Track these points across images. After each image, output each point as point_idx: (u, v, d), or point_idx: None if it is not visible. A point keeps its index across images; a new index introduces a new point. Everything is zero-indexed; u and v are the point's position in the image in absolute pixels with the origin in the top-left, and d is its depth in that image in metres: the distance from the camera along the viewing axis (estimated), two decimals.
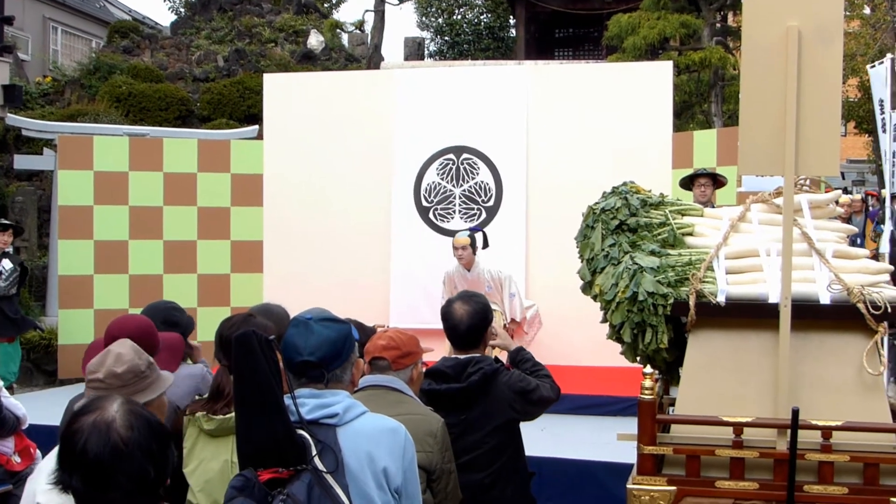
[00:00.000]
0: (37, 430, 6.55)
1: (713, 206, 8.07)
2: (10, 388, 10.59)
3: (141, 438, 2.40)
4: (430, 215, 11.58)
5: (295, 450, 2.80)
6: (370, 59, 23.14)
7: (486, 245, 10.24)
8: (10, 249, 11.05)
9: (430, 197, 11.59)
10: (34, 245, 16.44)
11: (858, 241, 13.93)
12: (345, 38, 25.77)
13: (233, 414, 3.83)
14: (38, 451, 6.12)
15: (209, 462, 3.98)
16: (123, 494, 2.38)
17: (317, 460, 2.84)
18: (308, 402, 3.00)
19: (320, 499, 2.77)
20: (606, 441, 7.70)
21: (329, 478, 2.83)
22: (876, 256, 13.50)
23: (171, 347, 4.81)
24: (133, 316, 4.97)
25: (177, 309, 5.41)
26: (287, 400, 2.86)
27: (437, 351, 5.16)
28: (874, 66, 12.39)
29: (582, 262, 4.95)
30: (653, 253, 4.63)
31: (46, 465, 3.46)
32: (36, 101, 20.58)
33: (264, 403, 2.75)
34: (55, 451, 3.57)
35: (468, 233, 10.07)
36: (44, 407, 7.95)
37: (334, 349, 3.10)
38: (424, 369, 4.42)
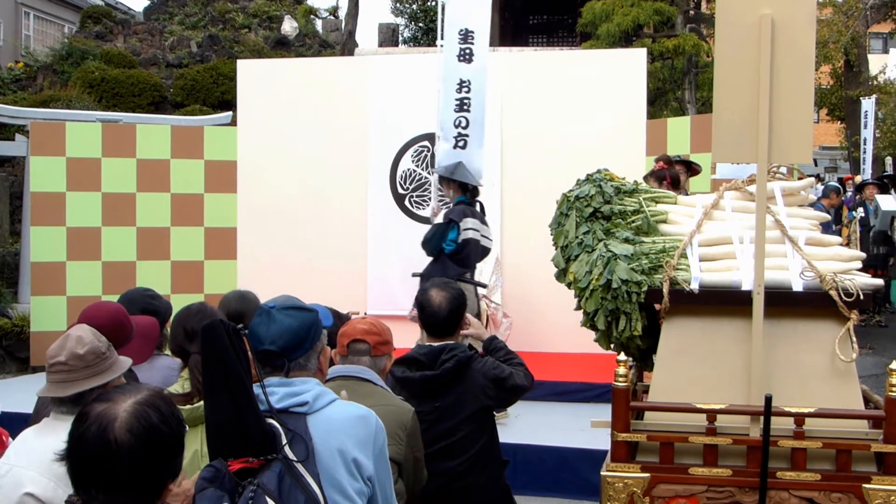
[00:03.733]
0: (9, 418, 6.49)
1: (687, 194, 8.11)
2: None
3: (136, 446, 2.35)
4: (406, 202, 11.57)
5: (265, 439, 2.79)
6: (344, 45, 23.03)
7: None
8: None
9: (405, 184, 11.57)
10: (6, 231, 16.29)
11: (833, 227, 14.03)
12: (319, 24, 25.62)
13: (200, 403, 3.80)
14: (10, 439, 6.07)
15: None
16: (106, 494, 2.36)
17: (287, 449, 2.83)
18: (278, 391, 2.99)
19: (291, 488, 2.76)
20: (580, 428, 7.75)
21: (300, 467, 2.82)
22: (849, 243, 13.64)
23: (145, 335, 4.76)
24: (106, 303, 4.92)
25: (153, 296, 5.34)
26: (257, 389, 2.85)
27: (410, 339, 5.15)
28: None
29: (556, 249, 4.95)
30: (627, 240, 4.64)
31: (17, 456, 3.42)
32: (8, 87, 20.39)
33: (233, 392, 2.74)
34: (20, 438, 3.54)
35: None
36: (16, 394, 7.91)
37: (296, 338, 3.09)
38: (395, 357, 4.42)
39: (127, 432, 2.35)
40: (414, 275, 8.66)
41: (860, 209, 14.83)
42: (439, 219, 8.62)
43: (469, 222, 8.38)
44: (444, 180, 8.91)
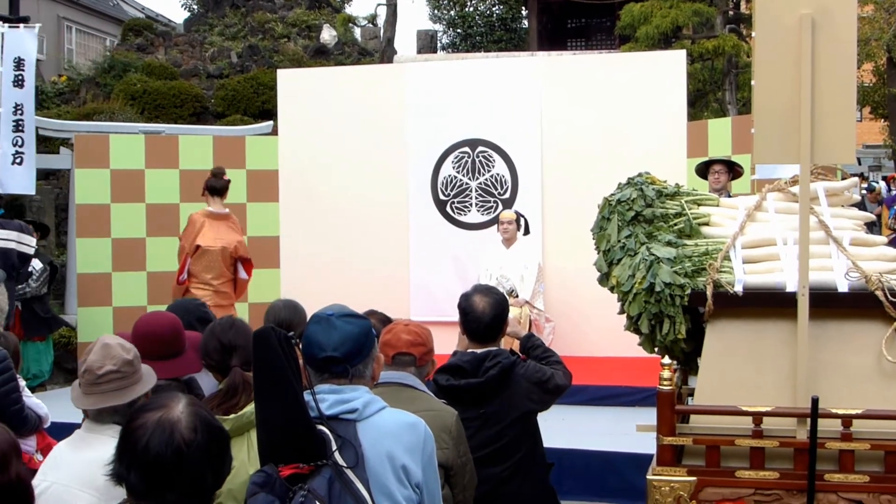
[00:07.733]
0: (58, 428, 6.56)
1: (729, 195, 8.07)
2: (42, 386, 10.71)
3: (203, 442, 2.43)
4: (448, 208, 11.58)
5: (315, 445, 2.81)
6: (383, 52, 23.10)
7: (527, 231, 10.49)
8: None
9: (446, 190, 11.59)
10: (52, 244, 16.47)
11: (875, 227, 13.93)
12: (357, 32, 25.71)
13: (243, 412, 3.83)
14: None
15: None
16: (179, 496, 2.41)
17: (337, 455, 2.85)
18: (328, 398, 3.01)
19: (341, 494, 2.79)
20: (626, 432, 7.71)
21: (349, 473, 2.84)
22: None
23: (195, 346, 4.77)
24: (161, 313, 4.91)
25: (204, 306, 5.41)
26: (307, 396, 2.88)
27: (452, 345, 5.15)
28: None
29: (598, 253, 4.95)
30: (669, 243, 4.63)
31: (54, 472, 3.40)
32: (52, 101, 20.61)
33: (284, 399, 2.77)
34: (54, 452, 3.53)
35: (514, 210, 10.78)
36: (64, 405, 7.96)
37: (357, 344, 3.11)
38: (437, 364, 4.43)
39: (192, 431, 2.43)
40: None
41: None
42: None
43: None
44: None
